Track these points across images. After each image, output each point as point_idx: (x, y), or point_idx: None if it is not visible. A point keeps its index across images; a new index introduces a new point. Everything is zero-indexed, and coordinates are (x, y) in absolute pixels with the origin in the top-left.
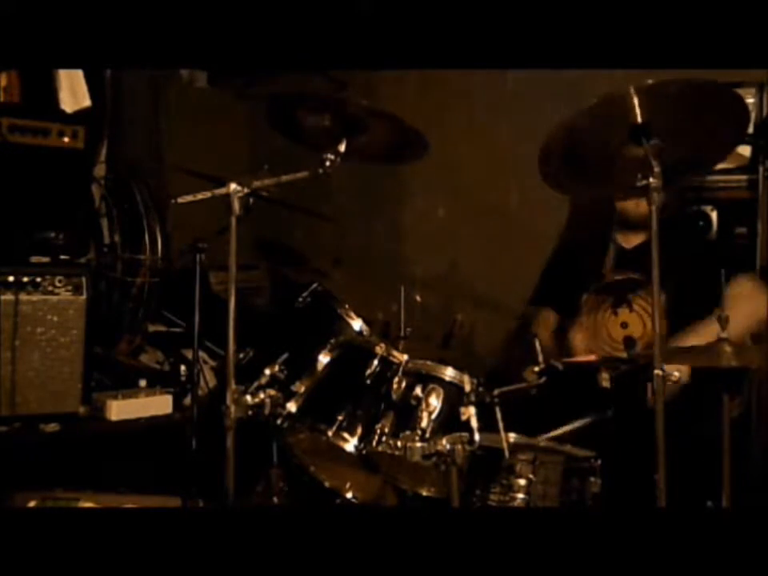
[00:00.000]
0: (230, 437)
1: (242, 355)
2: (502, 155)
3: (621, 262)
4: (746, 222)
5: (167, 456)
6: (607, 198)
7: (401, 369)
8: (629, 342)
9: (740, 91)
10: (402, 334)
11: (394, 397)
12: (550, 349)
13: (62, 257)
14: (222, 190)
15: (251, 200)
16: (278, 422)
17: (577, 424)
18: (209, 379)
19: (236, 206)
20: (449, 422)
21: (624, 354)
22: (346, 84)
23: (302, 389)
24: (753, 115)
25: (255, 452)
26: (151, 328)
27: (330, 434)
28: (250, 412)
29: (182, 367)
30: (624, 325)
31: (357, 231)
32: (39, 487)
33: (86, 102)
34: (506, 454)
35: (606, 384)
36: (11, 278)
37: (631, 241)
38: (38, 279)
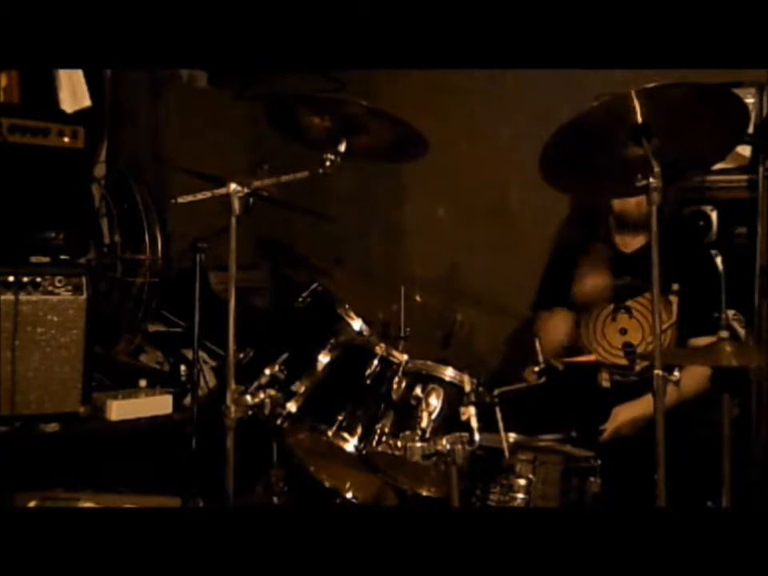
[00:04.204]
0: (230, 437)
1: (242, 355)
2: (502, 155)
3: (620, 266)
4: (746, 222)
5: (167, 456)
6: (606, 199)
7: (401, 369)
8: (628, 348)
9: (740, 91)
10: (402, 334)
11: (394, 397)
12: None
13: (62, 257)
14: (222, 190)
15: (251, 200)
16: (278, 422)
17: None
18: (209, 379)
19: (236, 205)
20: (449, 422)
21: (623, 361)
22: (345, 84)
23: (302, 389)
24: (753, 115)
25: (255, 452)
26: (151, 328)
27: (330, 433)
28: (250, 412)
29: (182, 367)
30: (623, 331)
31: (357, 231)
32: (39, 487)
33: (86, 102)
34: (506, 454)
35: (605, 384)
36: (11, 278)
37: (630, 245)
38: (38, 279)
